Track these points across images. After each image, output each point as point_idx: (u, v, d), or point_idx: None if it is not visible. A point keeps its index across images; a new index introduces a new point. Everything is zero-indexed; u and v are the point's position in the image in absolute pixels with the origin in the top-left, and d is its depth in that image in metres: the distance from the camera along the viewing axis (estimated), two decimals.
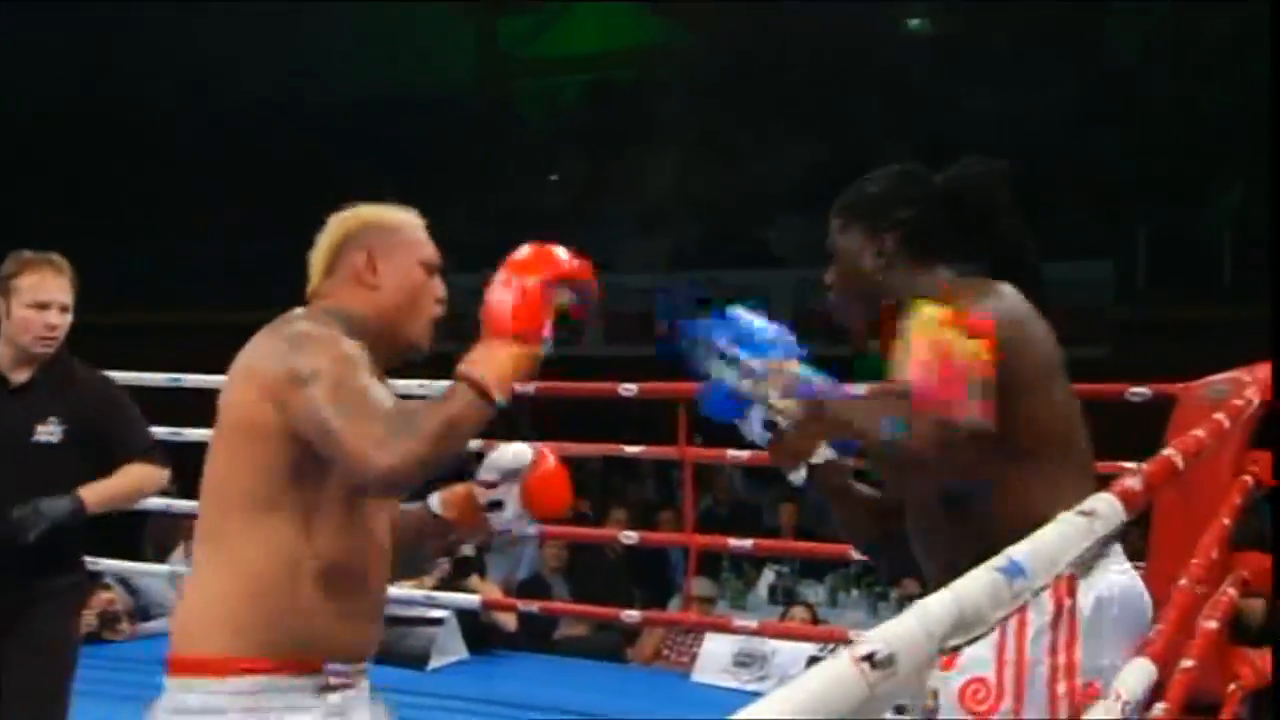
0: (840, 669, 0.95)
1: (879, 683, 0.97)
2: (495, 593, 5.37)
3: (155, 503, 5.65)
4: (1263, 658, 3.46)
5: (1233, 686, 3.18)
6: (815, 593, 6.40)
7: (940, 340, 1.76)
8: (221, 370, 1.89)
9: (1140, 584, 2.07)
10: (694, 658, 5.02)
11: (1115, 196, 10.15)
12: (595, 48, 14.23)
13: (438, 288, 1.94)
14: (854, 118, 11.53)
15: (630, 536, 4.89)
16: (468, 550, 5.49)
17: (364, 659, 1.87)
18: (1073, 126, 10.75)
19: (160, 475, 3.27)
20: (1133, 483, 1.95)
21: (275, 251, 13.31)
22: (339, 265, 1.90)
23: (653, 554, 6.82)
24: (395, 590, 5.30)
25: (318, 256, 1.93)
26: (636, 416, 8.59)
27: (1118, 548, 2.04)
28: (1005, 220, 2.02)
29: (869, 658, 0.98)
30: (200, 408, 5.34)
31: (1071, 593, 1.58)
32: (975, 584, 1.25)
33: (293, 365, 1.72)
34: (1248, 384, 3.26)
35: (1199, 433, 2.53)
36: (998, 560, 1.35)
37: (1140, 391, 3.96)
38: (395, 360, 1.92)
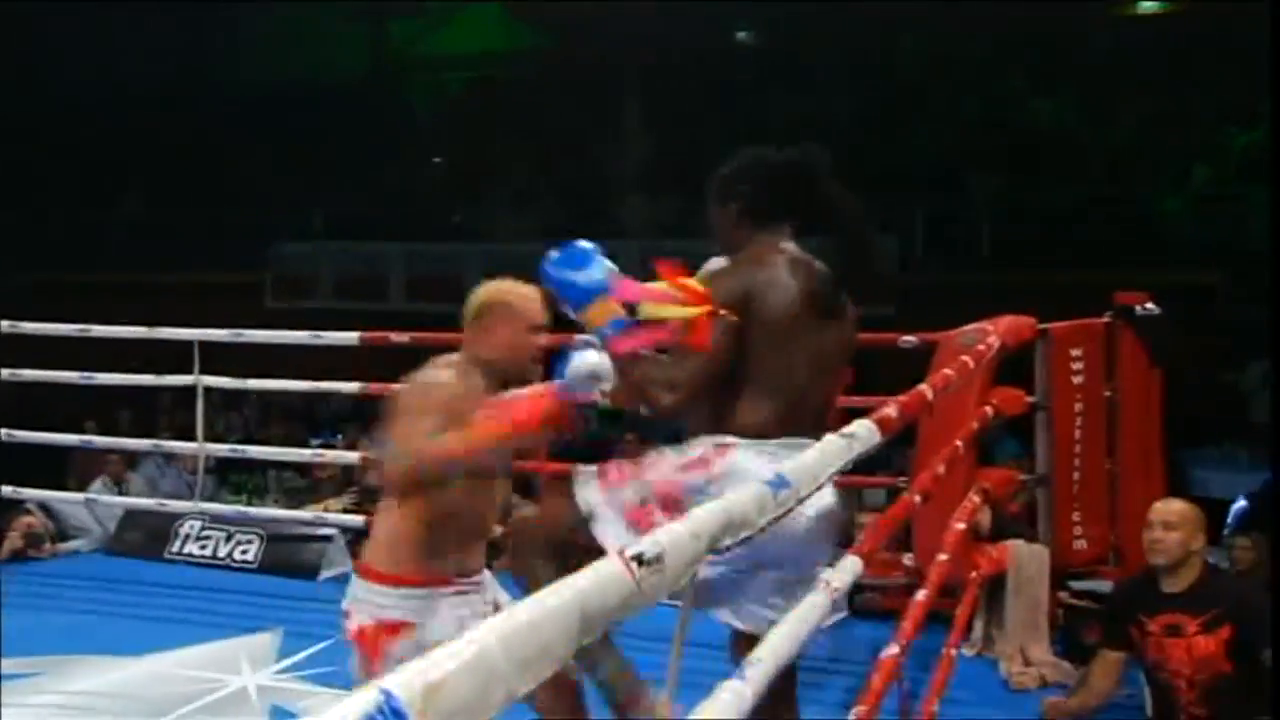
0: (610, 568, 0.92)
1: (646, 578, 0.94)
2: None
3: (77, 439, 5.37)
4: (998, 550, 3.61)
5: (974, 574, 3.30)
6: None
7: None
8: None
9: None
10: None
11: (899, 183, 10.37)
12: (476, 49, 13.89)
13: (538, 341, 2.34)
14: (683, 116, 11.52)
15: None
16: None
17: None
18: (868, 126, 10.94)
19: None
20: (890, 411, 1.97)
21: (182, 222, 12.67)
22: (477, 320, 2.35)
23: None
24: (290, 513, 5.15)
25: (466, 309, 2.37)
26: None
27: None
28: (823, 188, 2.14)
29: (638, 557, 0.94)
30: (109, 355, 5.09)
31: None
32: (743, 495, 1.23)
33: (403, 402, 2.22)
34: (991, 333, 3.35)
35: (948, 371, 2.59)
36: (767, 474, 1.34)
37: (910, 340, 4.06)
38: (509, 382, 2.32)
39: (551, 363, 2.31)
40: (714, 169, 2.31)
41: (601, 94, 12.11)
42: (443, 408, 2.17)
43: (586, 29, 11.66)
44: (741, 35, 12.08)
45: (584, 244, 2.06)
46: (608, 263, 2.05)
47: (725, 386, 2.07)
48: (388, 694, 0.61)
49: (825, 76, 11.25)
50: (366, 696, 0.60)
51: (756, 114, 11.45)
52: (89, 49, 11.64)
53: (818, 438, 1.97)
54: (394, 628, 2.15)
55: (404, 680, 0.62)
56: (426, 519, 2.18)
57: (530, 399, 2.19)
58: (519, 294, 2.37)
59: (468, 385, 2.26)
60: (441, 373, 2.28)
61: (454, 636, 2.08)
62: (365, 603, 2.18)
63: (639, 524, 2.05)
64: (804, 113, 11.22)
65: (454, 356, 2.36)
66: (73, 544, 5.16)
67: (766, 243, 2.14)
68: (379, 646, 2.15)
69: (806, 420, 2.09)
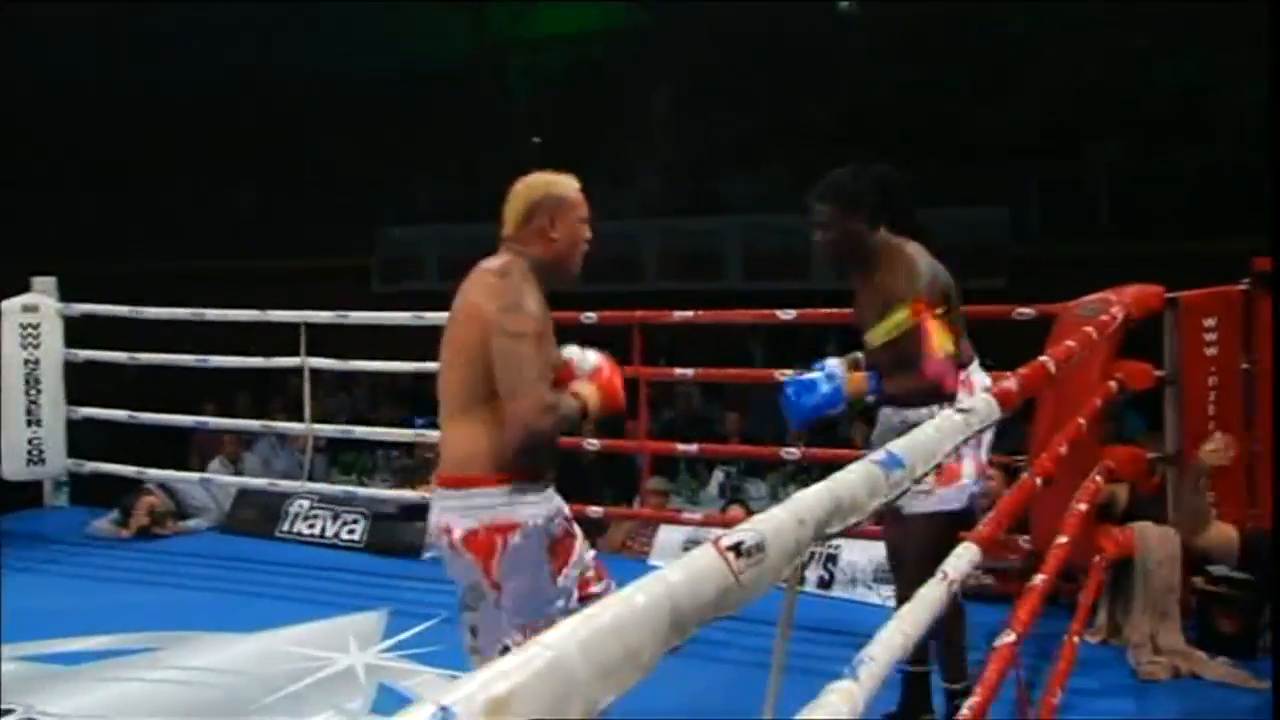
0: (706, 559, 0.82)
1: (746, 570, 0.84)
2: None
3: (192, 420, 5.52)
4: (1124, 533, 3.39)
5: (1097, 558, 3.10)
6: (757, 489, 6.30)
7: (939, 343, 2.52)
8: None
9: None
10: (654, 546, 4.91)
11: (1011, 150, 9.94)
12: (573, 29, 13.84)
13: (588, 232, 2.25)
14: (790, 89, 11.25)
15: (593, 444, 4.77)
16: None
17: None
18: (977, 93, 10.52)
19: None
20: (1010, 384, 1.84)
21: (290, 209, 12.98)
22: (529, 221, 2.19)
23: (621, 458, 6.68)
24: (394, 493, 5.20)
25: (511, 211, 2.21)
26: (601, 342, 8.38)
27: None
28: (908, 201, 2.67)
29: (735, 547, 0.85)
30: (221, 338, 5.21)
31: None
32: (852, 476, 1.13)
33: (500, 320, 2.09)
34: (1114, 303, 3.14)
35: (1070, 343, 2.41)
36: (878, 454, 1.23)
37: (1025, 311, 3.84)
38: (556, 286, 2.24)
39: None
40: (819, 144, 2.36)
41: (702, 69, 11.94)
42: (538, 334, 2.10)
43: (686, 4, 11.50)
44: (844, 5, 11.74)
45: (805, 376, 2.63)
46: (829, 367, 2.63)
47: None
48: (445, 711, 0.52)
49: (933, 42, 10.84)
50: (422, 713, 0.52)
51: (865, 84, 11.12)
52: (203, 40, 12.00)
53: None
54: (504, 527, 2.12)
55: (465, 694, 0.54)
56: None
57: (608, 378, 2.25)
58: (567, 184, 2.21)
59: (540, 301, 2.16)
60: (521, 286, 2.12)
61: (552, 525, 2.12)
62: (468, 510, 2.12)
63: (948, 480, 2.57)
64: (912, 81, 10.85)
65: (510, 265, 2.15)
66: (192, 522, 5.32)
67: (889, 237, 2.57)
68: (494, 546, 2.11)
69: None
